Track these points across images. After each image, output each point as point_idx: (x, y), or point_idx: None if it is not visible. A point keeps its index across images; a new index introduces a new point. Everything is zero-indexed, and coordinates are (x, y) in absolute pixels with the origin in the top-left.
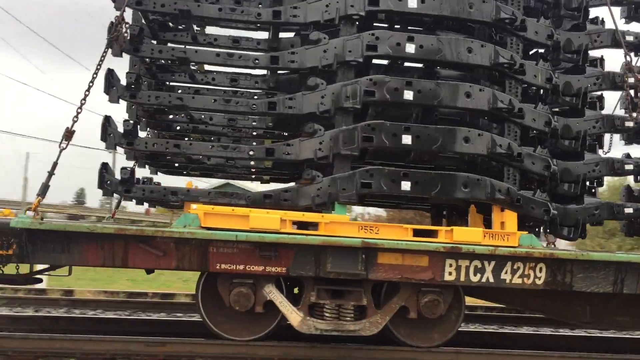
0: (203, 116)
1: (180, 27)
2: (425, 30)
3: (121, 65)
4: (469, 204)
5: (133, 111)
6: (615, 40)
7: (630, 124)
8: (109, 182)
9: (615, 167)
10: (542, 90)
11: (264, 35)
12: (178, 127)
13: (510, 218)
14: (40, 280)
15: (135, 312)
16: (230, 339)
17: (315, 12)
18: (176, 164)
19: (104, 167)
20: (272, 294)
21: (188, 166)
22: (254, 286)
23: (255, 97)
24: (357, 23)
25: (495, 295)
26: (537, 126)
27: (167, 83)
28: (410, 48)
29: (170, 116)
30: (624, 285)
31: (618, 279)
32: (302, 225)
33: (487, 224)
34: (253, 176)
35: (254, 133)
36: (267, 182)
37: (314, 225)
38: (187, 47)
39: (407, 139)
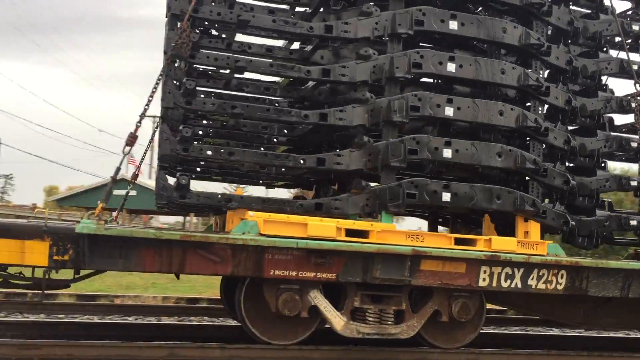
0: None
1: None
2: (462, 49)
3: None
4: (483, 213)
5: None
6: (623, 68)
7: (634, 144)
8: (163, 187)
9: (622, 183)
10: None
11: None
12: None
13: (534, 228)
14: (69, 285)
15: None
16: (270, 343)
17: (365, 29)
18: (214, 170)
19: (161, 172)
20: (317, 299)
21: (223, 172)
22: (300, 292)
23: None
24: (402, 41)
25: (508, 300)
26: (557, 144)
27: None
28: (451, 67)
29: (204, 121)
30: (630, 290)
31: (625, 284)
32: (353, 233)
33: (498, 232)
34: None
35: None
36: (273, 187)
37: (364, 234)
38: (242, 56)
39: (447, 153)
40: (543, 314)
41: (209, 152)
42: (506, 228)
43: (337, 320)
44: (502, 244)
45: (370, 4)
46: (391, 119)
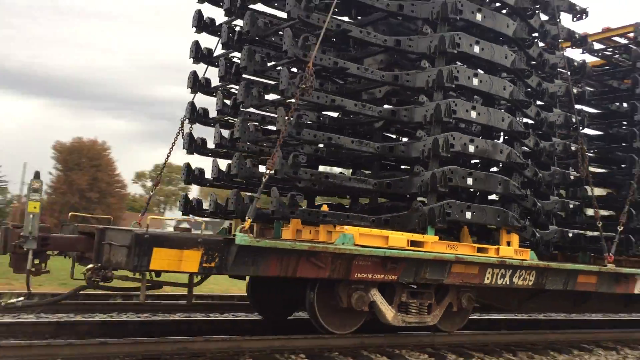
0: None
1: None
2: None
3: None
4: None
5: None
6: (569, 121)
7: (572, 177)
8: (279, 204)
9: (565, 206)
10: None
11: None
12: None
13: (514, 239)
14: (161, 286)
15: None
16: (335, 332)
17: (423, 45)
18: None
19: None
20: (376, 296)
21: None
22: (365, 290)
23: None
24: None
25: (486, 294)
26: (530, 176)
27: None
28: (473, 114)
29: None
30: (569, 284)
31: (567, 280)
32: (414, 243)
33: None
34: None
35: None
36: None
37: (421, 244)
38: (336, 97)
39: (470, 181)
40: (499, 304)
41: (312, 176)
42: (481, 238)
43: (389, 313)
44: (505, 252)
45: (425, 62)
46: (438, 153)
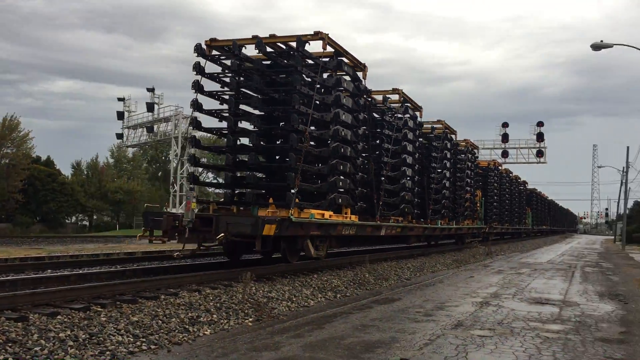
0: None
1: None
2: None
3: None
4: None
5: None
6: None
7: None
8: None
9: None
10: None
11: None
12: None
13: (350, 211)
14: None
15: None
16: (293, 262)
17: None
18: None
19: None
20: (309, 242)
21: None
22: (306, 239)
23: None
24: None
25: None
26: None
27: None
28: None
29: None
30: (365, 231)
31: (363, 229)
32: (324, 216)
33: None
34: None
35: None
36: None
37: (327, 217)
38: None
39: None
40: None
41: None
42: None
43: (313, 250)
44: (352, 218)
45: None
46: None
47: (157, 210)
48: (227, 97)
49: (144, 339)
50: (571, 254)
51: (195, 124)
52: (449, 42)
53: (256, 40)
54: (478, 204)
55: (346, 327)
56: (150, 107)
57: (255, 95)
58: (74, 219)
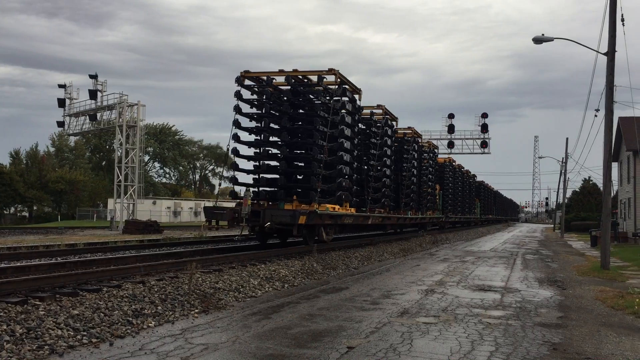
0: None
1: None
2: None
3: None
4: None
5: None
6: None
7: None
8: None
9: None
10: None
11: None
12: None
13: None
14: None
15: None
16: (311, 243)
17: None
18: None
19: None
20: (323, 229)
21: None
22: (324, 227)
23: None
24: None
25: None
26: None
27: None
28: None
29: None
30: (360, 220)
31: (363, 220)
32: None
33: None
34: None
35: None
36: None
37: (336, 210)
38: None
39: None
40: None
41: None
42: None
43: (325, 235)
44: (357, 211)
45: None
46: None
47: (216, 207)
48: (255, 116)
49: (85, 333)
50: (513, 242)
51: (236, 137)
52: (399, 34)
53: (285, 75)
54: (437, 197)
55: (293, 317)
56: (92, 94)
57: (284, 115)
58: (12, 210)
